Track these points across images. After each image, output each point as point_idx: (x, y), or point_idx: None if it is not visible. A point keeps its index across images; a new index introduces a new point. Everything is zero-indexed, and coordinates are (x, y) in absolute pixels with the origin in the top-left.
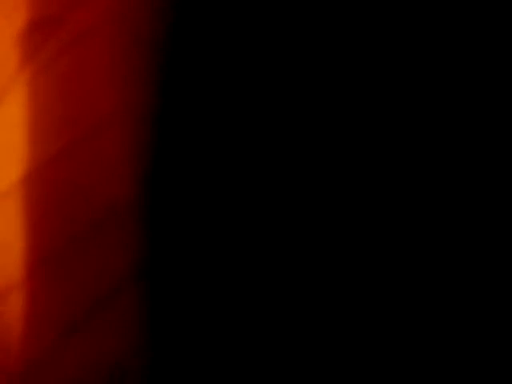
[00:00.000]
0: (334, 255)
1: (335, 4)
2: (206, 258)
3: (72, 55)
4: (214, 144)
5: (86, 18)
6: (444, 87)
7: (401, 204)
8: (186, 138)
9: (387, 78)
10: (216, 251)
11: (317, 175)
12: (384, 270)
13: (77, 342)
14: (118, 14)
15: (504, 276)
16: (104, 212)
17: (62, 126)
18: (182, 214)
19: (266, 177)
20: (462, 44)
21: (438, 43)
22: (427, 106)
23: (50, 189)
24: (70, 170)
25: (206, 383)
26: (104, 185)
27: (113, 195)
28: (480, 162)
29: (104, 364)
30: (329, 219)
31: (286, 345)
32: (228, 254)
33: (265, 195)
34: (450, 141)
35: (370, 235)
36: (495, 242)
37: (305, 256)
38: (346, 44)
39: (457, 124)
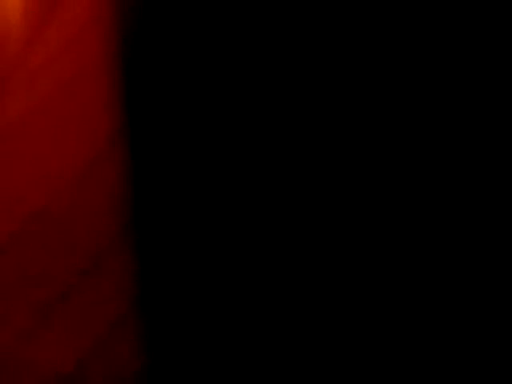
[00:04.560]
0: (333, 254)
1: (335, 4)
2: (203, 258)
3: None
4: (209, 141)
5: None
6: (444, 87)
7: (400, 204)
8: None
9: (387, 78)
10: (213, 253)
11: (315, 174)
12: (384, 269)
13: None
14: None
15: (504, 276)
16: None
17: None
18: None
19: (261, 173)
20: (461, 44)
21: (438, 43)
22: (427, 106)
23: None
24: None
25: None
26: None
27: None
28: (480, 162)
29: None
30: (327, 218)
31: (283, 342)
32: (226, 255)
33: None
34: (449, 140)
35: (369, 235)
36: (495, 242)
37: (303, 254)
38: (345, 44)
39: (457, 124)
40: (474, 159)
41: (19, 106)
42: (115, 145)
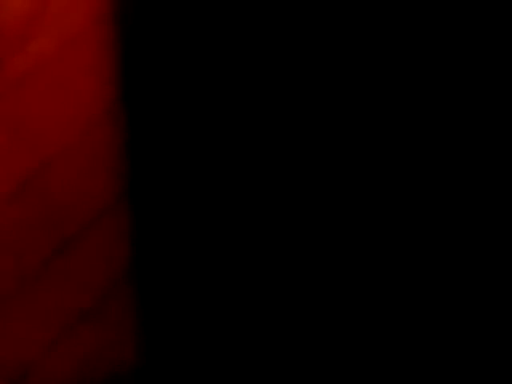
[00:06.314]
0: (332, 254)
1: (335, 4)
2: (200, 258)
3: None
4: (208, 141)
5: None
6: (444, 87)
7: (400, 204)
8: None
9: (387, 79)
10: (212, 253)
11: (314, 174)
12: (384, 269)
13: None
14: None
15: (504, 276)
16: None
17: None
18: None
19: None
20: (462, 44)
21: (438, 43)
22: (427, 106)
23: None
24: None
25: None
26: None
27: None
28: (480, 163)
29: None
30: (327, 218)
31: (282, 340)
32: (225, 256)
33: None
34: (449, 141)
35: (369, 235)
36: (495, 242)
37: (303, 254)
38: (345, 44)
39: (457, 124)
40: (473, 159)
41: (18, 68)
42: (111, 114)
